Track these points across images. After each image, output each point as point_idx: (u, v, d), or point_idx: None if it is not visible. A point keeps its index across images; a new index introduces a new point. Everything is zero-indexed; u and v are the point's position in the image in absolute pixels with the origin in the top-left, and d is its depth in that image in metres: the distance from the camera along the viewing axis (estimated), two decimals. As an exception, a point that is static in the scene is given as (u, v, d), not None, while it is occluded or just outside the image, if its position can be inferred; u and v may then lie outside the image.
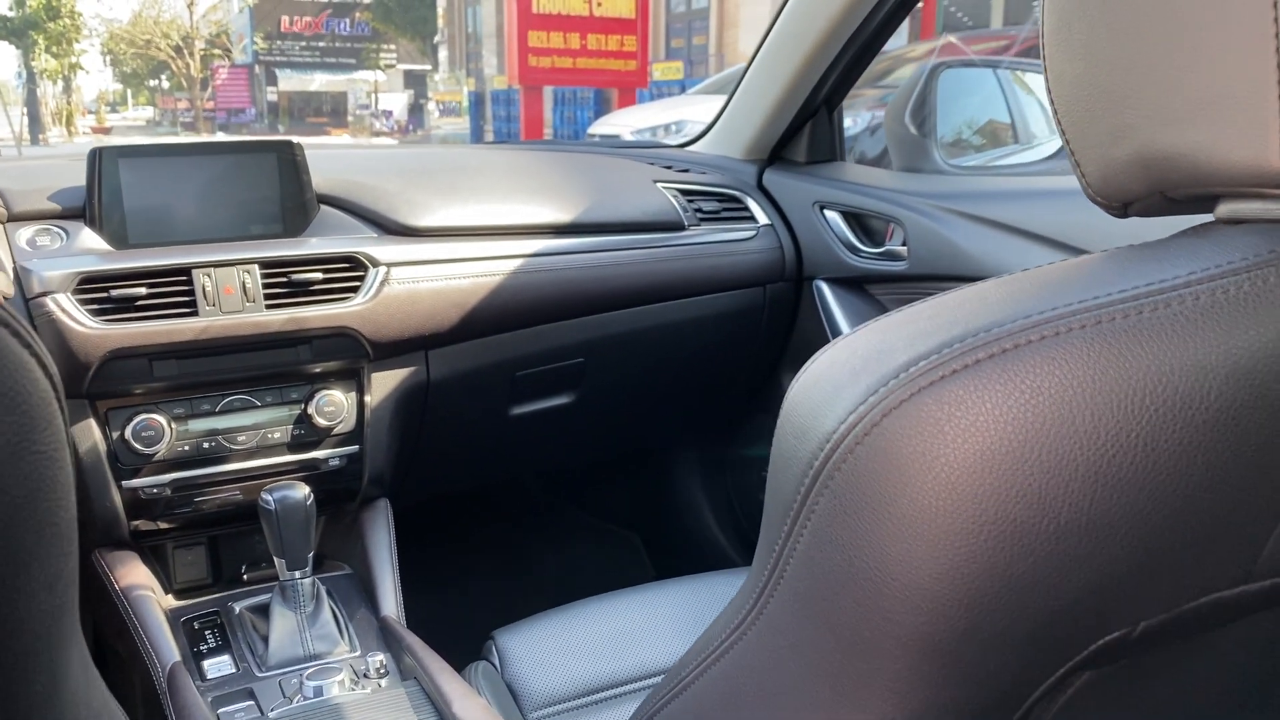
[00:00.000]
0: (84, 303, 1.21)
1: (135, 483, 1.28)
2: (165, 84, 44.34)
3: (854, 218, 1.61)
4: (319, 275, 1.31)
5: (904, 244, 1.51)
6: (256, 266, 1.29)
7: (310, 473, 1.37)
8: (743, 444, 1.94)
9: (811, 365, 0.54)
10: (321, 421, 1.35)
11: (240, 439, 1.32)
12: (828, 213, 1.63)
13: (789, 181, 1.72)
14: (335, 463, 1.38)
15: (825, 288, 1.64)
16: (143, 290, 1.23)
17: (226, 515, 1.35)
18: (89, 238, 1.27)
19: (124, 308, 1.22)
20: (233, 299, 1.27)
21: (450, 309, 1.40)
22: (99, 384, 1.22)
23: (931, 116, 1.64)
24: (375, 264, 1.35)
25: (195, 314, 1.25)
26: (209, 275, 1.27)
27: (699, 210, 1.67)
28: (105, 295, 1.21)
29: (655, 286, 1.58)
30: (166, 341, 1.23)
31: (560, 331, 1.52)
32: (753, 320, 1.69)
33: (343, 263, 1.34)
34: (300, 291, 1.31)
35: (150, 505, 1.29)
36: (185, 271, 1.26)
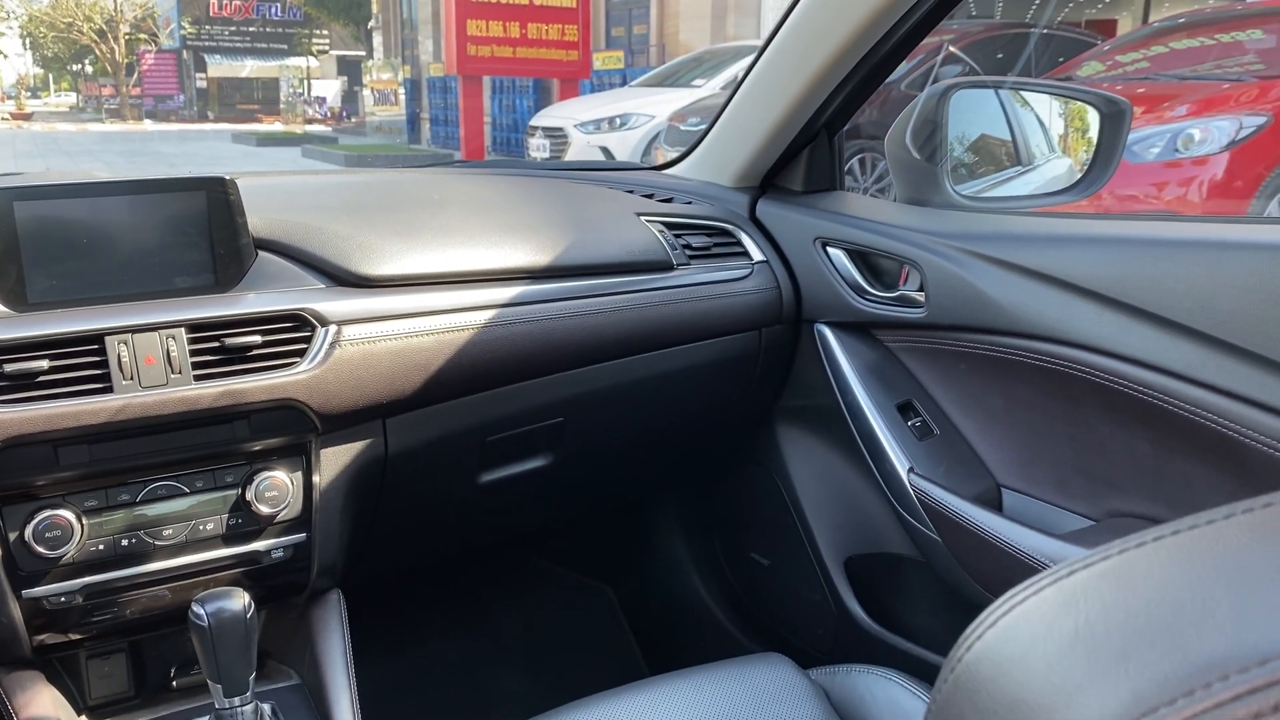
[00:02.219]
0: None
1: (38, 591, 1.07)
2: (89, 69, 42.89)
3: (861, 256, 1.45)
4: (257, 339, 1.12)
5: (921, 289, 1.36)
6: (183, 330, 1.09)
7: (250, 567, 1.18)
8: (731, 497, 1.77)
9: (1020, 619, 0.37)
10: (263, 509, 1.15)
11: (166, 533, 1.12)
12: (831, 250, 1.47)
13: (786, 213, 1.55)
14: (279, 554, 1.19)
15: (828, 333, 1.48)
16: (44, 364, 1.02)
17: (151, 621, 1.15)
18: None
19: (20, 385, 1.02)
20: (155, 370, 1.07)
21: (412, 371, 1.21)
22: None
23: (941, 142, 1.49)
24: (324, 322, 1.16)
25: (109, 390, 1.05)
26: (125, 343, 1.06)
27: (687, 246, 1.49)
28: None
29: (642, 335, 1.40)
30: (74, 426, 1.03)
31: (537, 390, 1.34)
32: (746, 367, 1.53)
33: (285, 322, 1.14)
34: (235, 358, 1.11)
35: (57, 616, 1.09)
36: (96, 339, 1.05)
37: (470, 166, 1.78)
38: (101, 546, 1.09)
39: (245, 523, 1.16)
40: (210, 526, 1.14)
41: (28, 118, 31.75)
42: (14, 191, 1.07)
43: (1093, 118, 1.55)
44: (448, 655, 1.87)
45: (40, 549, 1.04)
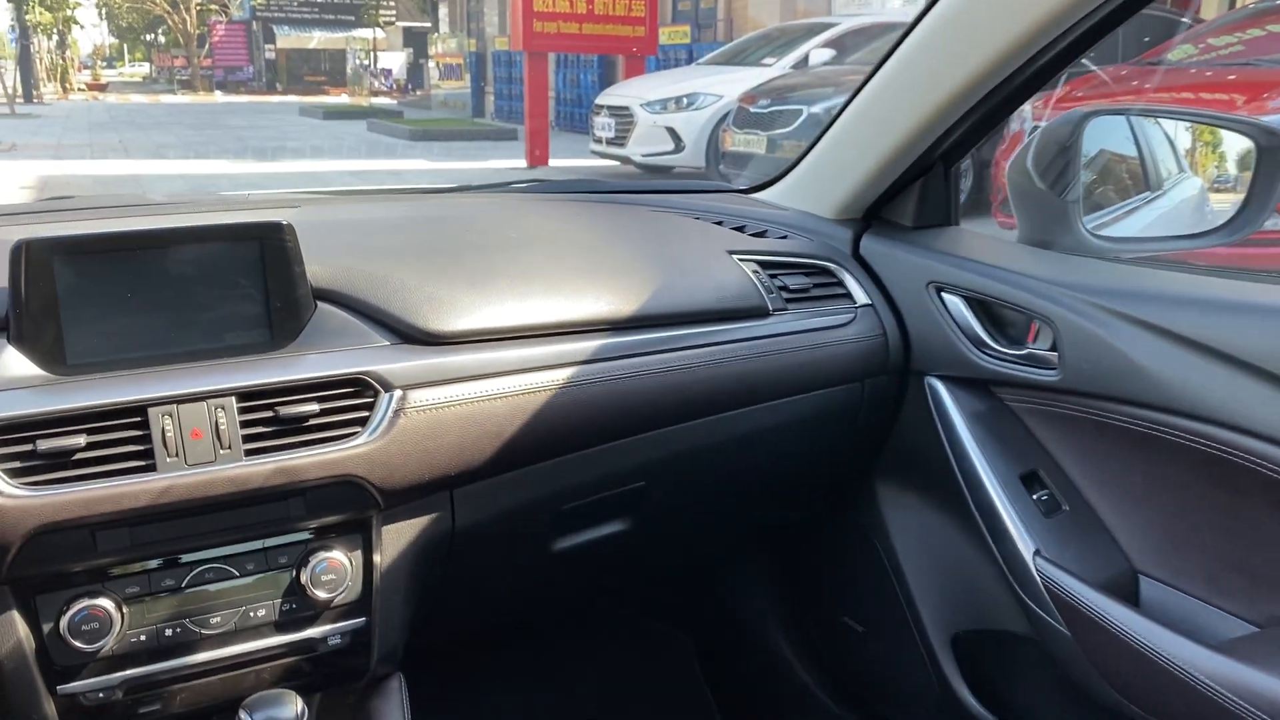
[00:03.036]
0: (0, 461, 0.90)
1: (74, 687, 0.97)
2: (162, 39, 43.55)
3: (981, 305, 1.29)
4: (314, 407, 1.00)
5: (1053, 348, 1.20)
6: (233, 399, 0.98)
7: (304, 655, 1.07)
8: (822, 555, 1.63)
9: None
10: (319, 594, 1.04)
11: (214, 621, 1.02)
12: (947, 296, 1.32)
13: (894, 252, 1.40)
14: (336, 641, 1.08)
15: (941, 388, 1.33)
16: (81, 441, 0.92)
17: (199, 715, 1.05)
18: (12, 360, 0.95)
19: (56, 464, 0.91)
20: (202, 446, 0.96)
21: (483, 440, 1.09)
22: (23, 566, 0.92)
23: (1074, 176, 1.32)
24: (387, 387, 1.04)
25: (152, 468, 0.94)
26: (170, 415, 0.96)
27: (784, 288, 1.35)
28: (30, 450, 0.91)
29: (734, 391, 1.27)
30: (113, 510, 0.92)
31: (617, 453, 1.22)
32: (847, 422, 1.38)
33: (345, 387, 1.03)
34: (290, 429, 1.00)
35: (95, 713, 0.99)
36: (138, 411, 0.95)
37: (546, 190, 1.65)
38: (143, 637, 0.99)
39: (299, 608, 1.05)
40: (262, 613, 1.04)
41: (103, 89, 32.33)
42: (52, 243, 0.96)
43: (1246, 149, 1.37)
44: (516, 703, 1.76)
45: (77, 643, 0.95)
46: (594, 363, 1.16)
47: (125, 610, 0.98)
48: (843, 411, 1.37)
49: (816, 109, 7.77)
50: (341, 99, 26.74)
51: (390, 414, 1.03)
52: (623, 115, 10.07)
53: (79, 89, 31.06)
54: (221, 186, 9.33)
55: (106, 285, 0.98)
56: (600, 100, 10.78)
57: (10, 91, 20.68)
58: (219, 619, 1.02)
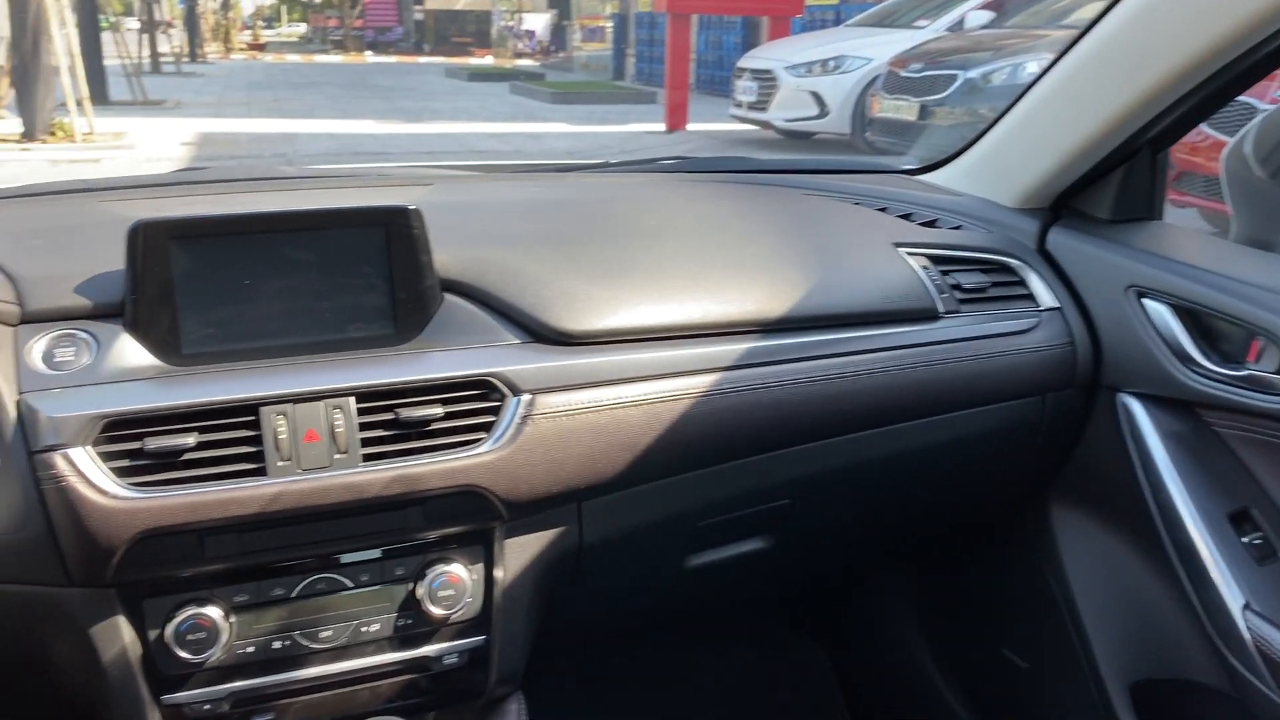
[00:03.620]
0: (108, 458, 0.84)
1: (179, 697, 0.92)
2: (317, 0, 44.91)
3: (1190, 315, 1.12)
4: (437, 410, 0.92)
5: (1281, 371, 1.02)
6: (351, 400, 0.91)
7: (419, 673, 1.00)
8: (981, 579, 1.48)
9: None
10: (435, 610, 0.97)
11: (324, 634, 0.95)
12: (1149, 302, 1.14)
13: (1087, 248, 1.23)
14: (452, 660, 1.01)
15: (1137, 407, 1.16)
16: (190, 441, 0.86)
17: None
18: (128, 349, 0.90)
19: (164, 465, 0.86)
20: (317, 450, 0.89)
21: (615, 450, 0.99)
22: (129, 570, 0.87)
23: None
24: (515, 390, 0.95)
25: (263, 472, 0.88)
26: (284, 415, 0.89)
27: (957, 287, 1.20)
28: (138, 448, 0.85)
29: (896, 403, 1.13)
30: (220, 517, 0.86)
31: (762, 468, 1.10)
32: (1023, 440, 1.23)
33: (470, 389, 0.94)
34: (410, 433, 0.92)
35: None
36: (250, 409, 0.88)
37: (688, 169, 1.52)
38: (251, 649, 0.93)
39: (415, 624, 0.98)
40: (375, 628, 0.97)
41: (262, 48, 33.55)
42: (169, 226, 0.90)
43: None
44: (642, 710, 1.68)
45: (183, 653, 0.89)
46: (739, 368, 1.05)
47: (233, 620, 0.92)
48: (1019, 429, 1.22)
49: (973, 74, 7.38)
50: (486, 60, 27.06)
51: (517, 420, 0.94)
52: (765, 79, 9.81)
53: (240, 49, 32.30)
54: (367, 147, 9.51)
55: (223, 270, 0.92)
56: (742, 63, 10.53)
57: (178, 51, 21.62)
58: (330, 632, 0.96)
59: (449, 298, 1.00)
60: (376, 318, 0.97)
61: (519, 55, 28.32)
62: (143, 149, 8.82)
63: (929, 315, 1.16)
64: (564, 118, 12.49)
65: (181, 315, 0.91)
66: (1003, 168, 1.32)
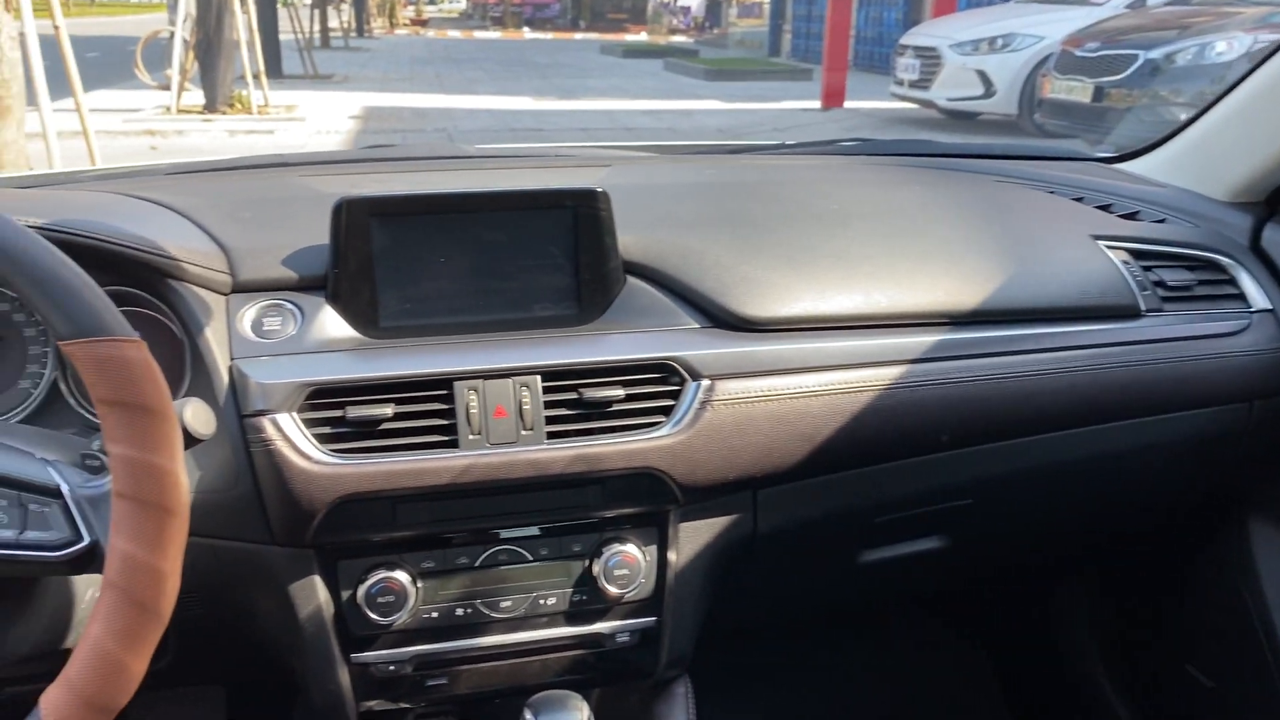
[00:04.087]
0: (311, 424, 0.88)
1: (368, 656, 0.97)
2: (478, -23, 45.90)
3: None
4: (619, 392, 0.93)
5: None
6: (538, 379, 0.92)
7: (591, 650, 1.01)
8: (1167, 592, 1.40)
9: None
10: (610, 588, 0.98)
11: (504, 604, 0.98)
12: (1380, 307, 1.06)
13: None
14: (624, 639, 1.02)
15: (1359, 421, 1.08)
16: (389, 411, 0.89)
17: (483, 696, 1.02)
18: (330, 320, 0.94)
19: (363, 433, 0.89)
20: (505, 425, 0.91)
21: (794, 440, 0.98)
22: (327, 532, 0.91)
23: None
24: (695, 375, 0.95)
25: (455, 445, 0.90)
26: (475, 390, 0.91)
27: (1160, 284, 1.14)
28: (340, 416, 0.89)
29: (1090, 404, 1.08)
30: (414, 486, 0.89)
31: (945, 465, 1.07)
32: (1225, 449, 1.16)
33: (651, 372, 0.95)
34: (593, 413, 0.93)
35: (385, 685, 0.98)
36: (445, 383, 0.91)
37: (870, 151, 1.48)
38: (436, 614, 0.97)
39: (590, 600, 0.99)
40: (552, 601, 0.99)
41: (424, 24, 34.53)
42: (370, 203, 0.93)
43: None
44: (800, 702, 1.66)
45: (373, 614, 0.93)
46: (926, 361, 1.02)
47: (420, 585, 0.95)
48: (1223, 436, 1.15)
49: (1155, 55, 6.96)
50: (640, 37, 27.14)
51: (696, 405, 0.94)
52: (929, 56, 9.51)
53: (404, 24, 33.34)
54: (524, 123, 9.69)
55: (419, 248, 0.95)
56: (905, 40, 10.24)
57: (346, 27, 22.50)
58: (509, 603, 0.98)
59: (630, 280, 1.01)
60: (561, 298, 0.98)
61: (673, 31, 28.30)
62: (313, 121, 9.22)
63: (1130, 313, 1.10)
64: (718, 94, 12.41)
65: (380, 289, 0.95)
66: (1214, 158, 1.24)
